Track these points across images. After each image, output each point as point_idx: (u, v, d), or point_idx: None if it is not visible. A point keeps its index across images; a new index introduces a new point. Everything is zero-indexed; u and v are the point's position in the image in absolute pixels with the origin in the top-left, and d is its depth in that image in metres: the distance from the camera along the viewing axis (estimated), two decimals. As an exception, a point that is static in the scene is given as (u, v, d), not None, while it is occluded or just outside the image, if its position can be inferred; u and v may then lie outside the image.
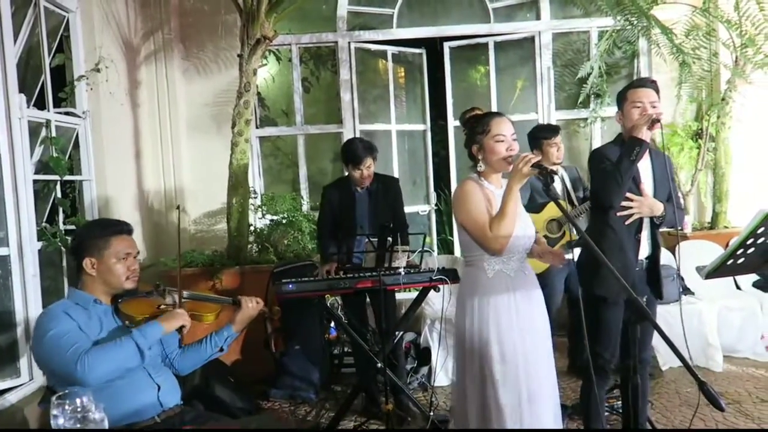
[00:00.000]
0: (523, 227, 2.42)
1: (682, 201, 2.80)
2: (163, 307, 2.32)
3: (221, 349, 2.48)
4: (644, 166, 2.75)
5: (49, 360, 2.09)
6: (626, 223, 2.68)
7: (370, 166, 3.73)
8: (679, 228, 2.78)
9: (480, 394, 2.37)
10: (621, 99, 2.80)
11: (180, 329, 2.26)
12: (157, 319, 2.23)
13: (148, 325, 2.19)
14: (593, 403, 2.71)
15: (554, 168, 2.26)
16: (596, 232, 2.70)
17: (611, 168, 2.63)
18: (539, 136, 3.95)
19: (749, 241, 1.93)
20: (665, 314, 4.19)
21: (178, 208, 2.62)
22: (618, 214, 2.66)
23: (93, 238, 2.30)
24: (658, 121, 2.61)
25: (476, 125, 2.47)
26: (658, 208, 2.70)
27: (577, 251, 4.06)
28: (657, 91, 2.77)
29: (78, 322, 2.15)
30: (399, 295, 4.03)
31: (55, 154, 3.82)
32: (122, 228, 2.37)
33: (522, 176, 2.28)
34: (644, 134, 2.60)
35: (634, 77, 5.46)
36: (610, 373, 2.79)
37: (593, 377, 2.60)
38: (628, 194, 2.66)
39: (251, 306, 2.49)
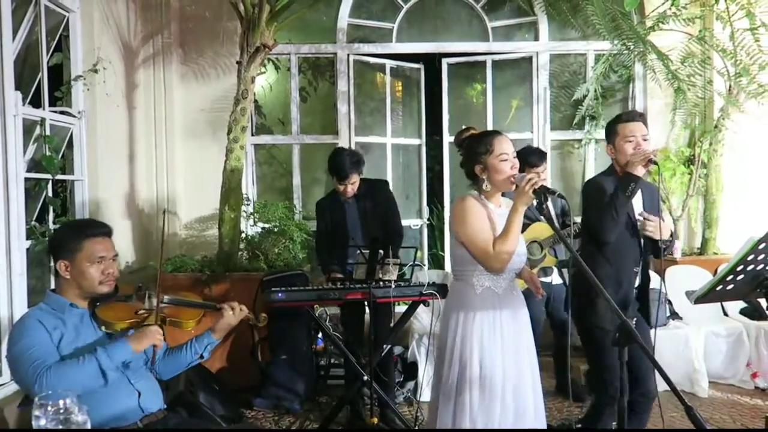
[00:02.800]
0: (519, 246, 2.41)
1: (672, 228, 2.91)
2: (141, 312, 2.22)
3: (201, 357, 2.39)
4: (635, 198, 2.77)
5: (14, 370, 2.09)
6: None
7: (355, 182, 3.75)
8: (670, 254, 2.81)
9: (453, 410, 2.34)
10: (611, 133, 2.79)
11: (153, 347, 2.16)
12: (126, 337, 2.13)
13: (115, 345, 2.09)
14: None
15: (555, 190, 2.26)
16: (590, 265, 2.68)
17: (608, 203, 2.64)
18: (526, 159, 3.95)
19: (739, 268, 1.95)
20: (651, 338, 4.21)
21: (164, 212, 2.54)
22: (646, 230, 2.70)
23: (66, 240, 2.22)
24: (655, 162, 2.64)
25: (477, 145, 2.40)
26: (667, 232, 2.74)
27: (556, 276, 4.11)
28: (646, 123, 2.79)
29: (50, 332, 2.10)
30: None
31: (48, 153, 3.80)
32: (97, 230, 2.26)
33: (528, 198, 2.24)
34: (639, 171, 2.62)
35: (629, 101, 5.52)
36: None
37: (605, 407, 2.68)
38: (645, 213, 2.72)
39: (232, 314, 2.36)
